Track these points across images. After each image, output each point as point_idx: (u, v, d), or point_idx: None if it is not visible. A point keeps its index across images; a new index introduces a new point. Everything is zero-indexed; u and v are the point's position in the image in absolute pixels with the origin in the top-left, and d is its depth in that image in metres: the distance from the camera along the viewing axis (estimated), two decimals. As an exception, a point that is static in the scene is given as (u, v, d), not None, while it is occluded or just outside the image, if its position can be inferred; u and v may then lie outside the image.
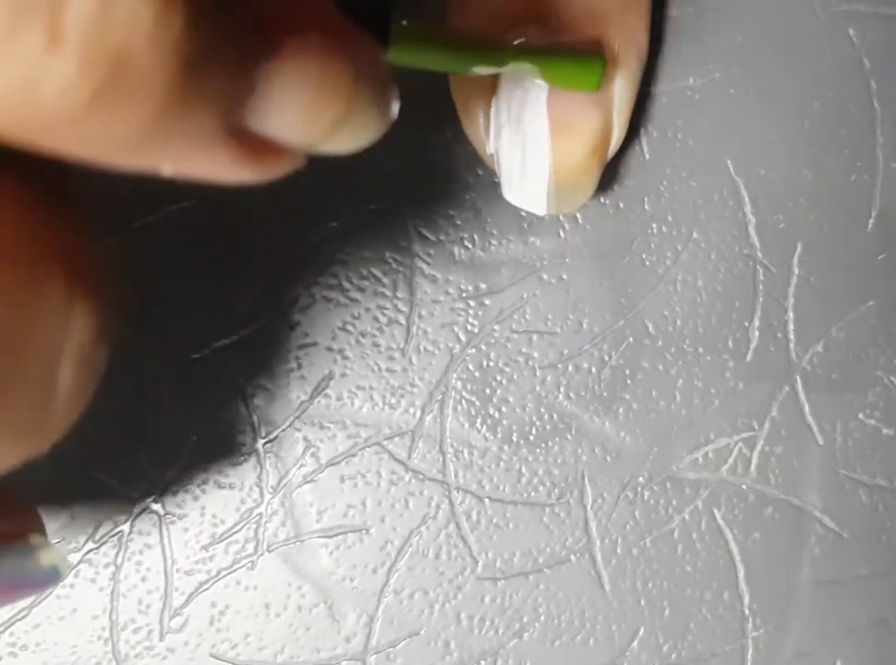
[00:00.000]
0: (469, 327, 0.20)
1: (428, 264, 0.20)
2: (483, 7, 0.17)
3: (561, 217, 0.20)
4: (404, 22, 0.14)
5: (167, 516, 0.20)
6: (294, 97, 0.09)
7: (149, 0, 0.07)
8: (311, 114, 0.09)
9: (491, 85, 0.17)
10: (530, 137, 0.17)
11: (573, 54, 0.16)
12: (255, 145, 0.09)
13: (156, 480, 0.20)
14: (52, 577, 0.13)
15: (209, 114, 0.08)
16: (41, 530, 0.13)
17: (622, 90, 0.18)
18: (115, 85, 0.07)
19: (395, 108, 0.10)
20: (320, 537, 0.20)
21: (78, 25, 0.07)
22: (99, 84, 0.07)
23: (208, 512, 0.20)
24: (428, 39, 0.15)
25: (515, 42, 0.16)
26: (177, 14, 0.07)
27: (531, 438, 0.20)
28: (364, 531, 0.20)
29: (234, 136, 0.09)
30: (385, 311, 0.20)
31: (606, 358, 0.20)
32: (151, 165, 0.08)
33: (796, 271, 0.21)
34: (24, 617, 0.19)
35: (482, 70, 0.15)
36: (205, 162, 0.09)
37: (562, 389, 0.20)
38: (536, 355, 0.20)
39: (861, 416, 0.21)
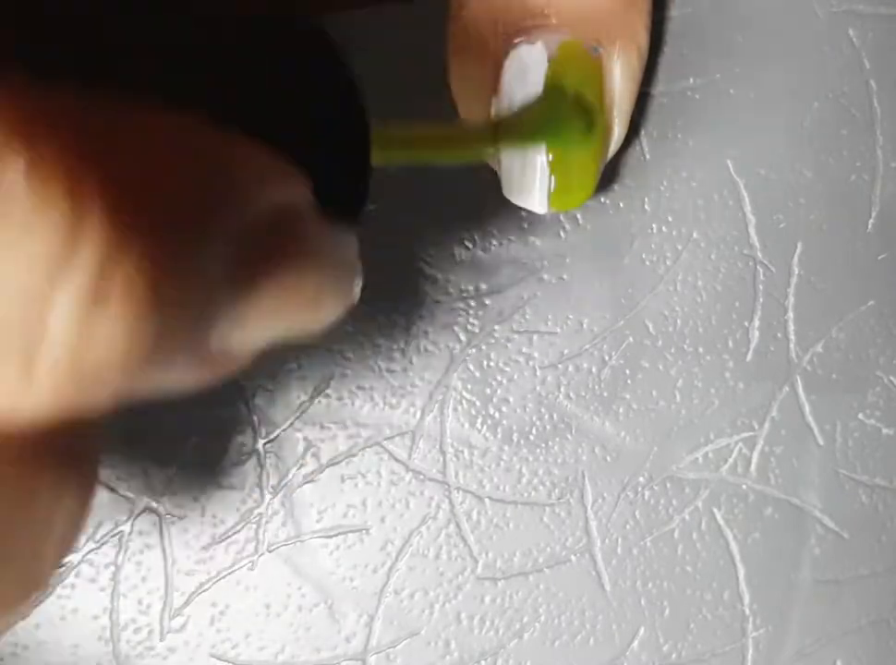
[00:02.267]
0: (470, 327, 0.20)
1: (428, 264, 0.20)
2: (484, 7, 0.17)
3: (561, 217, 0.20)
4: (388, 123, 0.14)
5: (167, 516, 0.20)
6: (262, 318, 0.09)
7: (123, 330, 0.07)
8: (275, 326, 0.09)
9: (492, 84, 0.17)
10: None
11: (561, 118, 0.16)
12: (213, 359, 0.09)
13: (156, 480, 0.20)
14: None
15: (175, 362, 0.08)
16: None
17: (622, 88, 0.18)
18: (84, 394, 0.07)
19: (358, 291, 0.10)
20: (320, 537, 0.20)
21: (50, 367, 0.07)
22: (69, 400, 0.07)
23: (208, 512, 0.20)
24: (411, 138, 0.15)
25: (499, 120, 0.16)
26: (148, 326, 0.07)
27: (531, 438, 0.20)
28: (364, 531, 0.20)
29: (196, 362, 0.09)
30: (385, 311, 0.20)
31: (606, 358, 0.20)
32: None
33: (796, 271, 0.21)
34: (25, 617, 0.19)
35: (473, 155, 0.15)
36: (165, 383, 0.09)
37: (562, 389, 0.20)
38: (536, 355, 0.20)
39: (861, 416, 0.21)
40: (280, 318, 0.09)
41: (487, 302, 0.20)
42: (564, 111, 0.16)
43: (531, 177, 0.17)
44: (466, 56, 0.18)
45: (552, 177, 0.17)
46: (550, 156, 0.17)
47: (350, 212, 0.12)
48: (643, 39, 0.18)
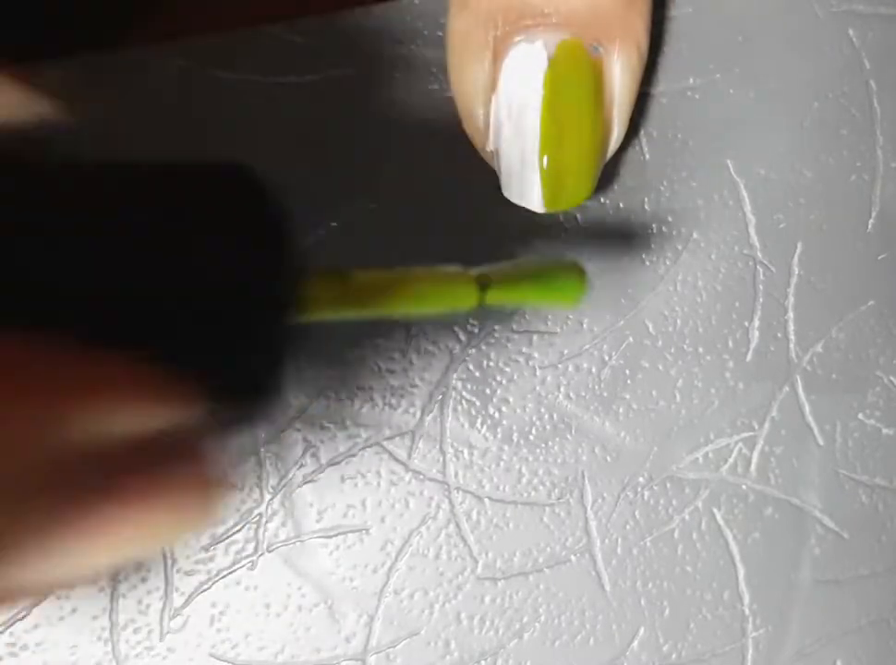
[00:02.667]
0: (469, 327, 0.20)
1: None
2: (484, 6, 0.17)
3: (560, 217, 0.20)
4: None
5: (167, 516, 0.20)
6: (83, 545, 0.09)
7: None
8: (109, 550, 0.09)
9: (492, 83, 0.17)
10: (530, 134, 0.17)
11: (546, 273, 0.16)
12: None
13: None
14: None
15: None
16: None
17: (622, 87, 0.18)
18: None
19: (214, 512, 0.10)
20: (320, 537, 0.20)
21: None
22: None
23: (208, 512, 0.20)
24: (380, 288, 0.13)
25: (478, 273, 0.15)
26: None
27: (531, 438, 0.20)
28: (364, 531, 0.20)
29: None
30: (385, 311, 0.20)
31: (606, 358, 0.20)
32: None
33: (796, 271, 0.21)
34: (24, 617, 0.19)
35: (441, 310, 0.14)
36: None
37: (562, 389, 0.20)
38: (536, 355, 0.20)
39: (861, 416, 0.21)
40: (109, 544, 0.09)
41: (487, 302, 0.20)
42: (557, 270, 0.16)
43: (530, 177, 0.17)
44: (466, 55, 0.18)
45: (551, 177, 0.17)
46: (547, 158, 0.17)
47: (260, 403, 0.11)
48: (643, 38, 0.18)
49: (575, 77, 0.17)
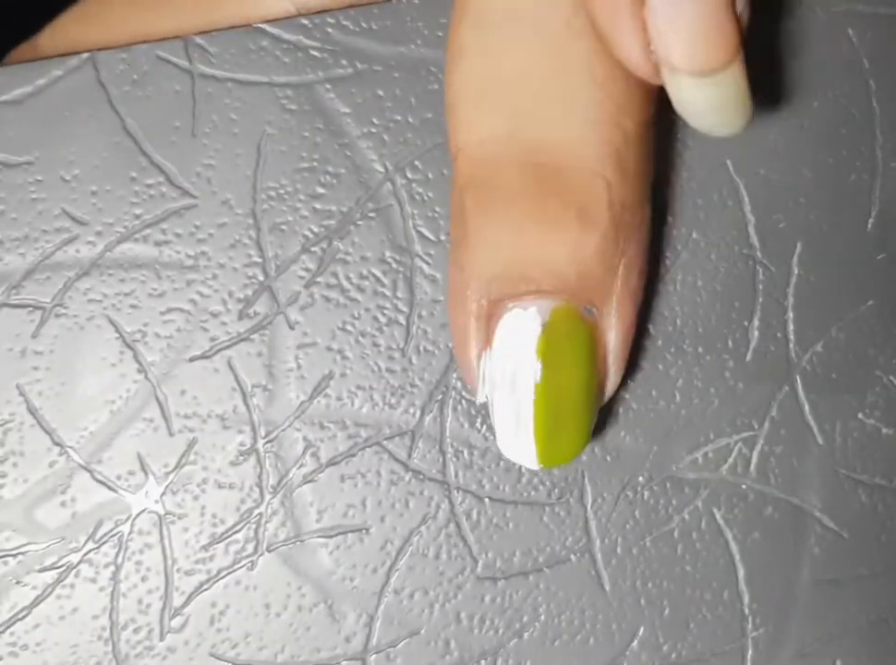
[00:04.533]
0: (469, 327, 0.20)
1: (428, 264, 0.20)
2: (476, 271, 0.17)
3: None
4: None
5: (167, 516, 0.20)
6: None
7: None
8: None
9: (484, 340, 0.17)
10: (524, 399, 0.17)
11: None
12: None
13: (156, 480, 0.20)
14: None
15: None
16: None
17: (616, 341, 0.18)
18: None
19: None
20: (320, 536, 0.20)
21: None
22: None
23: (208, 511, 0.20)
24: None
25: None
26: None
27: (531, 438, 0.20)
28: (364, 531, 0.20)
29: None
30: (385, 311, 0.20)
31: (606, 358, 0.20)
32: None
33: (796, 270, 0.21)
34: (24, 617, 0.19)
35: None
36: None
37: (561, 389, 0.20)
38: (536, 355, 0.20)
39: (861, 415, 0.21)
40: None
41: (487, 302, 0.20)
42: None
43: (525, 438, 0.17)
44: (460, 309, 0.18)
45: (547, 439, 0.17)
46: (543, 423, 0.17)
47: None
48: (637, 283, 0.18)
49: (570, 341, 0.17)
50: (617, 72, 0.16)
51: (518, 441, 0.17)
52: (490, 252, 0.17)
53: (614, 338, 0.18)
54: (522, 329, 0.17)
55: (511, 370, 0.17)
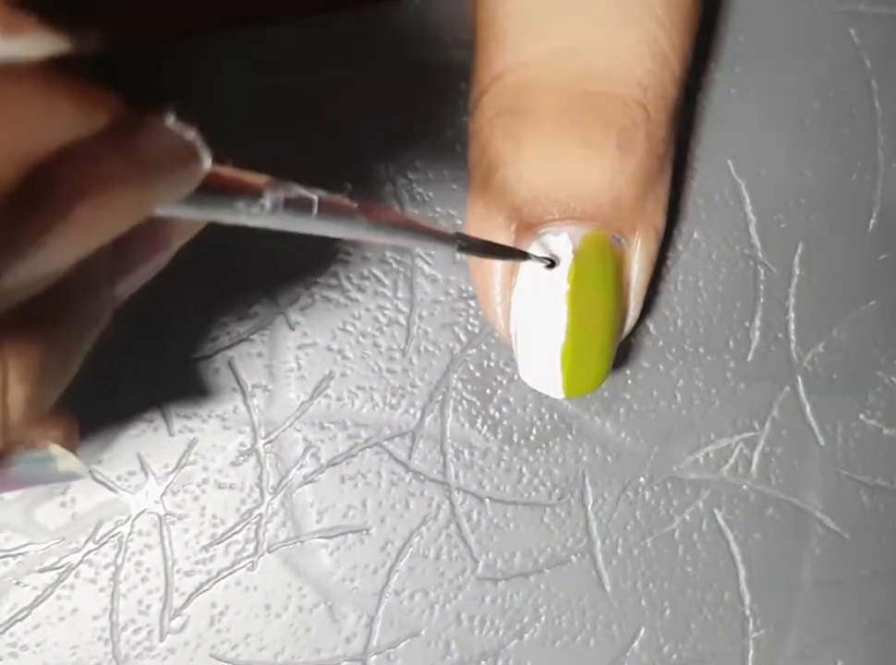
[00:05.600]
0: (470, 327, 0.20)
1: (428, 264, 0.20)
2: (507, 196, 0.17)
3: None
4: None
5: (167, 517, 0.20)
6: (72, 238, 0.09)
7: None
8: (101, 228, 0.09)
9: (511, 270, 0.18)
10: (553, 325, 0.17)
11: None
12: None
13: (157, 480, 0.20)
14: (68, 478, 0.15)
15: None
16: (67, 441, 0.15)
17: (639, 274, 0.18)
18: None
19: (203, 164, 0.10)
20: (320, 537, 0.20)
21: None
22: None
23: (208, 512, 0.20)
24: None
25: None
26: None
27: (532, 438, 0.20)
28: (364, 532, 0.20)
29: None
30: (385, 311, 0.20)
31: (607, 359, 0.20)
32: None
33: (797, 271, 0.21)
34: (24, 618, 0.19)
35: None
36: None
37: (562, 389, 0.20)
38: (536, 355, 0.20)
39: (862, 416, 0.21)
40: (102, 223, 0.09)
41: (487, 302, 0.20)
42: None
43: (552, 366, 0.17)
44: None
45: (574, 366, 0.17)
46: (572, 349, 0.17)
47: None
48: (660, 222, 0.18)
49: (599, 269, 0.17)
50: (674, 11, 0.16)
51: (545, 369, 0.17)
52: (523, 178, 0.17)
53: (638, 271, 0.18)
54: (554, 252, 0.17)
55: (540, 297, 0.17)
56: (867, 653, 0.21)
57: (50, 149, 0.09)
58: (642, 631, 0.21)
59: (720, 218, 0.21)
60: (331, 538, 0.20)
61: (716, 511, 0.21)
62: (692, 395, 0.21)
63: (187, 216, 0.10)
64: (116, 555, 0.20)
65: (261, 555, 0.20)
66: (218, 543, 0.20)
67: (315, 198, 0.12)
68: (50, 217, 0.09)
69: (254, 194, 0.11)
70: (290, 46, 0.20)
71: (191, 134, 0.10)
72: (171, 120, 0.10)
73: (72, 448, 0.15)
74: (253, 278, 0.20)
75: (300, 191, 0.11)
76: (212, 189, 0.10)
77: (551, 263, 0.17)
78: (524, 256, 0.17)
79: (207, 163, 0.10)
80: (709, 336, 0.21)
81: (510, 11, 0.17)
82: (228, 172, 0.11)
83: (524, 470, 0.20)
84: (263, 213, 0.11)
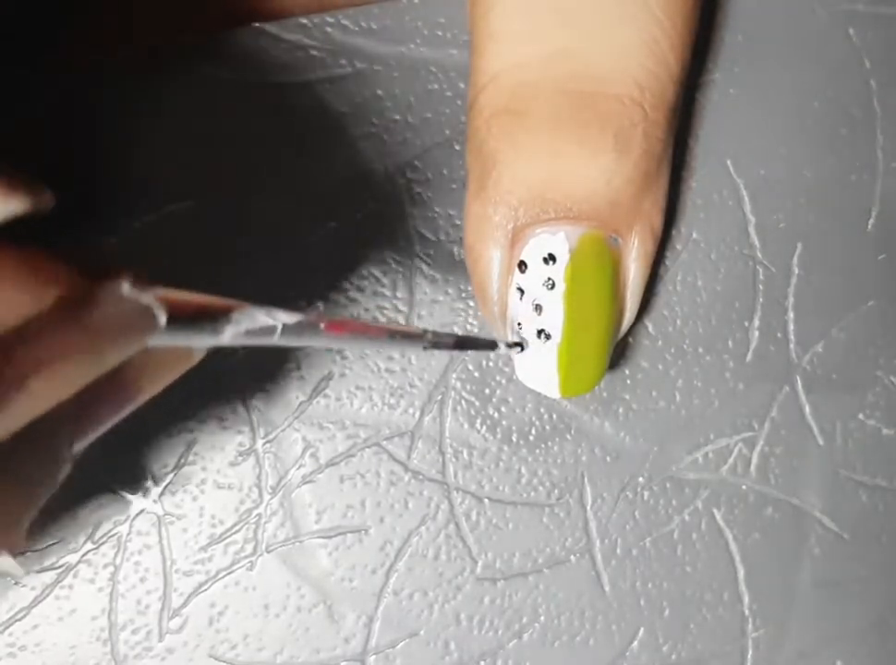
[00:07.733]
0: (469, 327, 0.20)
1: (428, 264, 0.20)
2: (504, 195, 0.17)
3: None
4: None
5: (166, 517, 0.20)
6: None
7: None
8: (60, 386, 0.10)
9: (507, 269, 0.18)
10: (549, 326, 0.17)
11: None
12: None
13: (156, 480, 0.20)
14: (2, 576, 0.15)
15: None
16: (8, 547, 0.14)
17: (636, 274, 0.18)
18: None
19: (160, 324, 0.10)
20: (319, 537, 0.20)
21: None
22: None
23: (207, 512, 0.20)
24: None
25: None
26: None
27: (531, 438, 0.20)
28: (363, 532, 0.20)
29: None
30: (385, 311, 0.20)
31: (606, 359, 0.20)
32: None
33: (796, 271, 0.21)
34: (23, 618, 0.19)
35: None
36: None
37: (561, 389, 0.20)
38: (535, 355, 0.20)
39: (861, 416, 0.21)
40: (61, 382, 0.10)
41: (486, 302, 0.20)
42: None
43: (548, 366, 0.17)
44: (483, 239, 0.18)
45: (569, 367, 0.17)
46: (567, 350, 0.17)
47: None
48: (658, 222, 0.18)
49: (596, 269, 0.17)
50: (674, 10, 0.16)
51: (542, 369, 0.17)
52: (520, 178, 0.17)
53: (634, 271, 0.18)
54: (549, 253, 0.17)
55: (536, 297, 0.17)
56: (867, 653, 0.21)
57: (5, 327, 0.09)
58: (641, 631, 0.21)
59: (718, 218, 0.21)
60: (330, 537, 0.20)
61: (715, 511, 0.21)
62: (691, 395, 0.21)
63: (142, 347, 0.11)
64: (115, 555, 0.20)
65: (260, 555, 0.20)
66: (217, 543, 0.20)
67: (278, 325, 0.12)
68: (6, 390, 0.09)
69: (215, 326, 0.11)
70: (289, 46, 0.20)
71: (147, 297, 0.10)
72: (126, 287, 0.10)
73: (10, 550, 0.14)
74: (252, 278, 0.20)
75: (262, 320, 0.12)
76: (174, 322, 0.11)
77: (521, 349, 0.17)
78: (492, 346, 0.17)
79: (163, 321, 0.10)
80: (708, 336, 0.21)
81: (506, 10, 0.17)
82: (189, 304, 0.11)
83: (523, 470, 0.20)
84: (224, 342, 0.12)
